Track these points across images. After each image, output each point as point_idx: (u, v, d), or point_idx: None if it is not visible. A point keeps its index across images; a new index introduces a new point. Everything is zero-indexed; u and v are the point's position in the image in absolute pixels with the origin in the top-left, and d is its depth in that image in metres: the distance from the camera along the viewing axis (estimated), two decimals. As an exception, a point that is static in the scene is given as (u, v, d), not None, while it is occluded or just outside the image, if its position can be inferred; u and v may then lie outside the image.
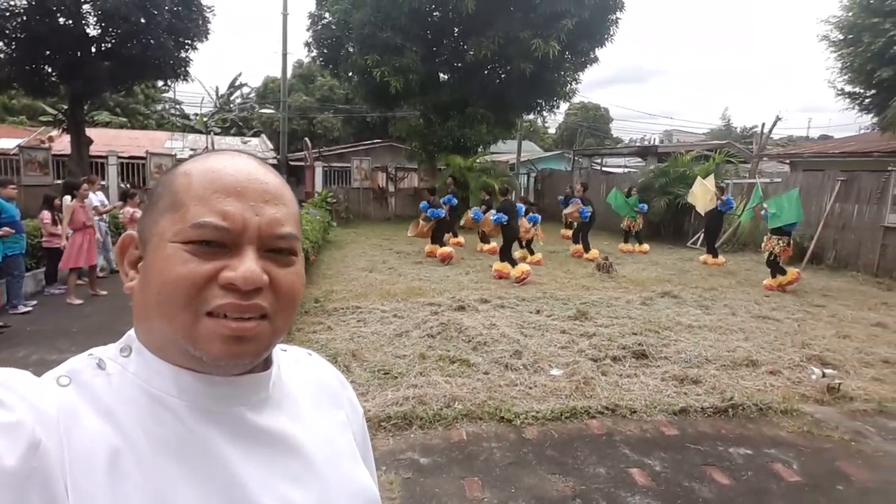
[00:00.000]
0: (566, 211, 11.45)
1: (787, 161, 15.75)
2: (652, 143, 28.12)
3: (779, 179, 12.34)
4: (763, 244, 8.21)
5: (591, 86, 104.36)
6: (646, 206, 12.02)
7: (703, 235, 10.97)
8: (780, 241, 7.90)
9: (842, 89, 16.24)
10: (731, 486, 2.95)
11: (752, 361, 4.72)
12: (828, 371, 4.32)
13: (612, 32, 15.50)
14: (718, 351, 4.97)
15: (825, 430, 3.64)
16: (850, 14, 14.77)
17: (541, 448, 3.29)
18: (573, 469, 3.08)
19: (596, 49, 15.87)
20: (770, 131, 15.64)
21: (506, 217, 8.41)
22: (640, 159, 21.35)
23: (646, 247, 11.71)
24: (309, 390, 0.71)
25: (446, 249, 9.79)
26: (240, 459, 0.57)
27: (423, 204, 10.09)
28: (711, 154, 14.08)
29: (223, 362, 0.56)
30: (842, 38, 15.14)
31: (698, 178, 11.00)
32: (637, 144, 27.59)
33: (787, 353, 4.98)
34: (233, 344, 0.55)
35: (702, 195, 10.46)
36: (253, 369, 0.61)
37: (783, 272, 7.88)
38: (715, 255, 10.20)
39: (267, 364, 0.64)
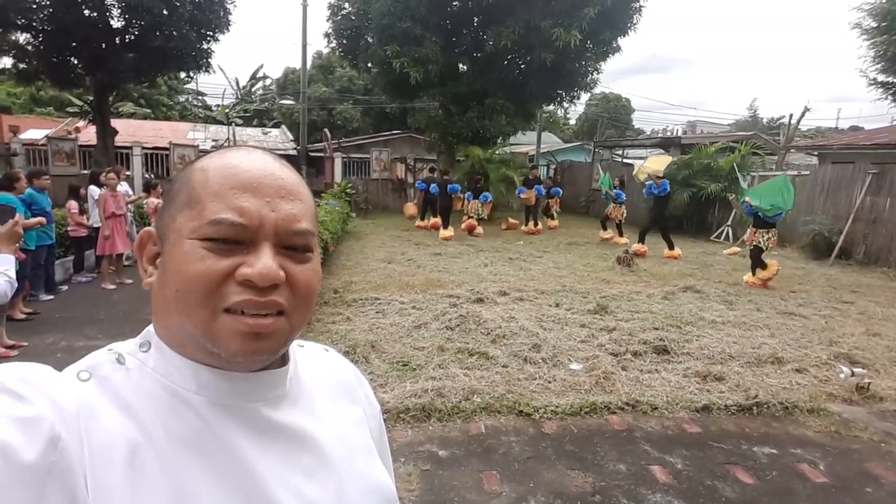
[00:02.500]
0: (523, 196, 12.90)
1: (816, 153, 15.34)
2: (675, 134, 27.64)
3: (807, 172, 12.03)
4: (747, 237, 7.82)
5: (614, 76, 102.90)
6: (623, 195, 11.44)
7: (649, 226, 10.23)
8: (767, 234, 7.52)
9: (874, 79, 15.77)
10: (755, 486, 2.89)
11: (778, 359, 4.62)
12: (857, 370, 4.21)
13: (635, 21, 15.16)
14: (743, 347, 4.87)
15: (854, 430, 3.54)
16: (885, 1, 14.29)
17: (560, 443, 3.26)
18: (593, 465, 3.05)
19: (618, 38, 15.54)
20: (798, 122, 15.27)
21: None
22: (662, 151, 21.00)
23: (623, 240, 11.16)
24: (326, 386, 0.71)
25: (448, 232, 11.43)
26: (257, 454, 0.57)
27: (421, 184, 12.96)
28: (737, 145, 13.76)
29: (241, 358, 0.57)
30: (875, 25, 14.68)
31: (651, 158, 10.99)
32: (659, 136, 27.15)
33: (814, 351, 4.86)
34: (250, 340, 0.56)
35: (645, 171, 10.52)
36: (270, 365, 0.62)
37: (763, 266, 7.46)
38: (642, 241, 9.98)
39: (284, 360, 0.65)
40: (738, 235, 12.12)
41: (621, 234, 11.43)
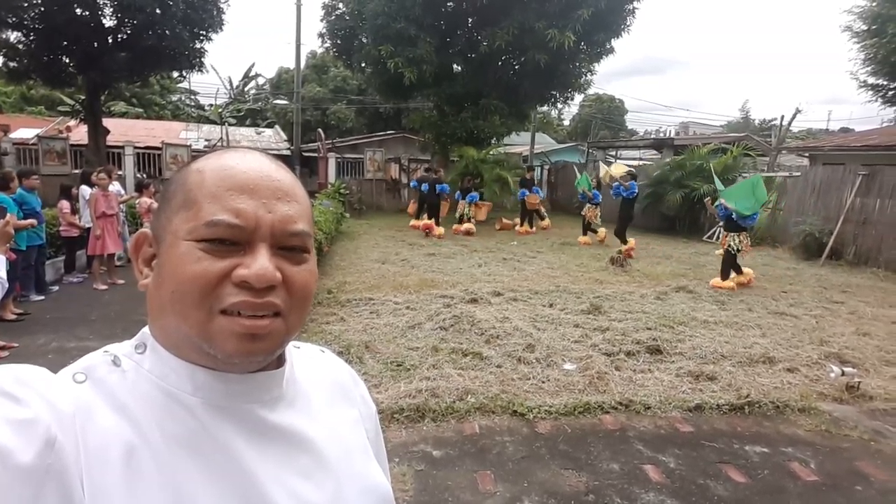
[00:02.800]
0: (528, 198, 12.92)
1: (807, 154, 15.47)
2: (668, 135, 27.78)
3: (798, 173, 12.13)
4: (720, 240, 7.65)
5: (607, 77, 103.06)
6: (599, 196, 11.41)
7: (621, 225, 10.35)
8: (738, 237, 7.37)
9: (864, 81, 15.95)
10: (747, 485, 2.92)
11: (770, 358, 4.66)
12: (847, 369, 4.25)
13: (628, 23, 15.23)
14: (735, 347, 4.91)
15: (844, 429, 3.58)
16: (875, 4, 14.46)
17: (553, 443, 3.28)
18: (586, 464, 3.06)
19: (612, 40, 15.61)
20: (789, 124, 15.38)
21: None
22: (655, 152, 21.11)
23: (601, 233, 11.37)
24: (322, 387, 0.71)
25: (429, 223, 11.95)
26: (253, 456, 0.57)
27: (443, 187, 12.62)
28: (729, 147, 13.85)
29: (237, 360, 0.57)
30: (865, 28, 14.85)
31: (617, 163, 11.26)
32: (652, 137, 27.28)
33: (805, 351, 4.91)
34: (246, 341, 0.56)
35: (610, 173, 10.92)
36: (266, 367, 0.61)
37: (740, 270, 7.42)
38: (624, 241, 10.04)
39: (280, 361, 0.65)
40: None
41: (595, 232, 11.51)
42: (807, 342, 5.17)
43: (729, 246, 7.42)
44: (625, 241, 10.08)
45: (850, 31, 15.11)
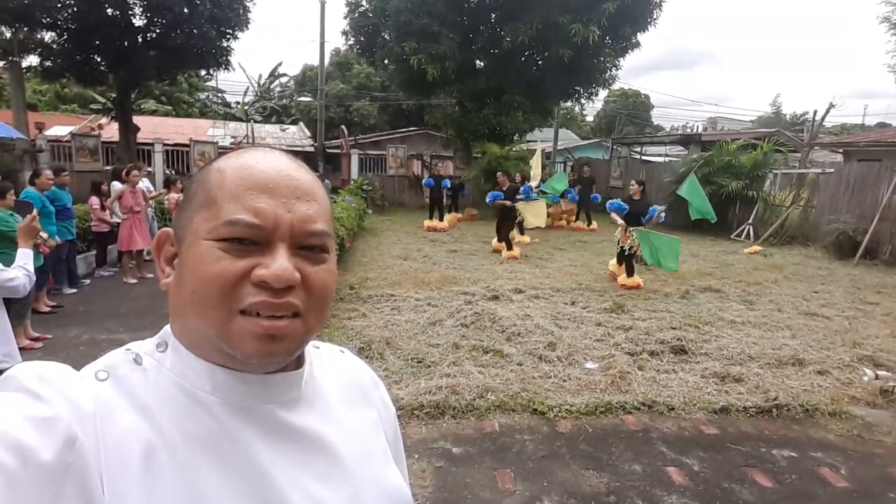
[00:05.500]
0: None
1: (841, 150, 15.00)
2: (695, 130, 27.20)
3: (832, 170, 11.77)
4: (618, 236, 7.17)
5: (633, 72, 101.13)
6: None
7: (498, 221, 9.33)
8: (634, 235, 6.93)
9: (903, 74, 15.35)
10: (774, 489, 2.85)
11: (799, 360, 4.54)
12: (881, 372, 4.11)
13: (655, 16, 14.94)
14: (763, 348, 4.79)
15: (877, 434, 3.47)
16: (915, -7, 13.92)
17: (574, 442, 3.25)
18: (607, 465, 3.02)
19: (638, 33, 15.33)
20: (823, 119, 14.90)
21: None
22: (682, 148, 20.70)
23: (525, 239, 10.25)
24: (341, 389, 0.70)
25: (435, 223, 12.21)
26: (271, 457, 0.57)
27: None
28: (759, 143, 13.50)
29: (256, 360, 0.57)
30: (905, 19, 14.30)
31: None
32: (679, 132, 26.76)
33: (836, 353, 4.77)
34: (266, 342, 0.55)
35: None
36: (285, 367, 0.61)
37: (632, 272, 6.98)
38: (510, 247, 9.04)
39: (299, 362, 0.65)
40: (759, 234, 11.91)
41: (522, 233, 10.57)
42: (839, 344, 5.03)
43: (630, 242, 6.94)
44: (509, 245, 9.05)
45: (888, 22, 14.59)
